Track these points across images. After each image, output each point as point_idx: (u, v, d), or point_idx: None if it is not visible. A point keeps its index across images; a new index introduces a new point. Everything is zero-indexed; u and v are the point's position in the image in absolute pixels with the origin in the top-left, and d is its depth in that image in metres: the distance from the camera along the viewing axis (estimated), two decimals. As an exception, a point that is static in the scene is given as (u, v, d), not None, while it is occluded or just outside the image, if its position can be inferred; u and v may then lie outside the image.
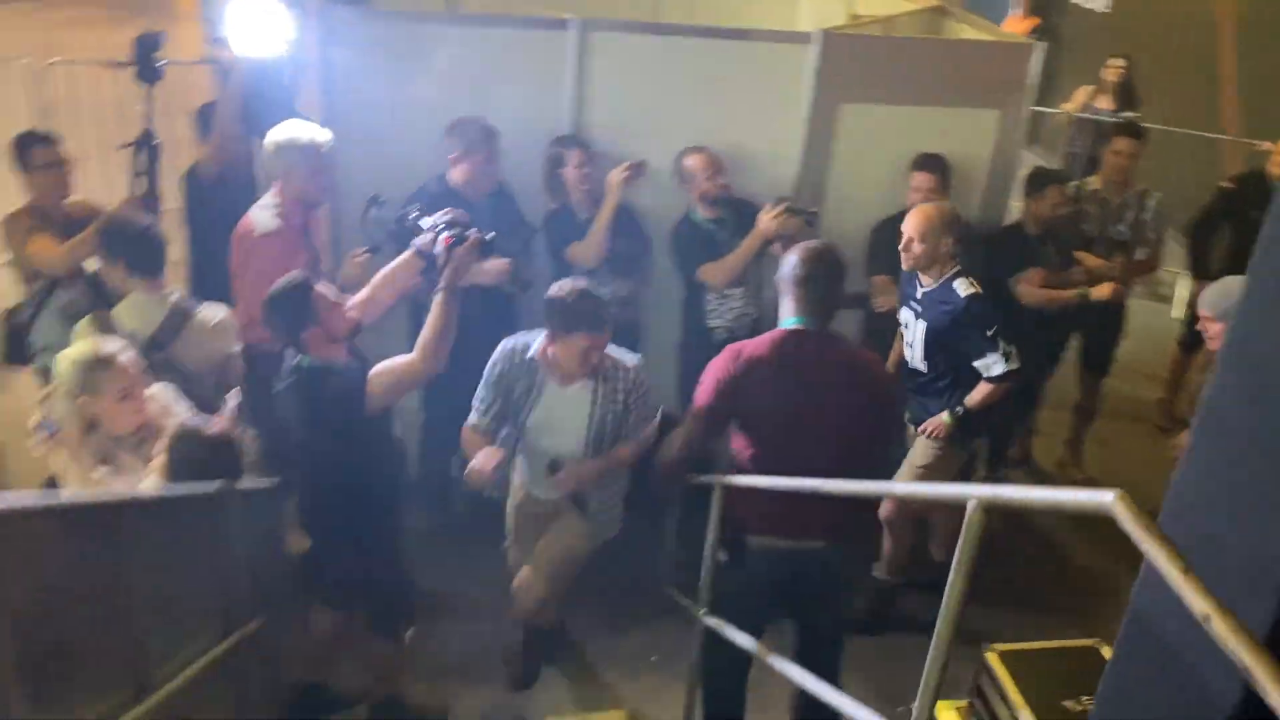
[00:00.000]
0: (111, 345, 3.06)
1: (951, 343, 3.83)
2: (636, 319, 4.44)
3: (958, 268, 3.80)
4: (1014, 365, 3.74)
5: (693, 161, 4.18)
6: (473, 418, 3.42)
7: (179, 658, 2.42)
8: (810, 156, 4.44)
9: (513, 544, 3.77)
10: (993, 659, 3.11)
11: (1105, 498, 1.22)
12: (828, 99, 4.35)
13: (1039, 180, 4.63)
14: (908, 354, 4.06)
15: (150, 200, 3.99)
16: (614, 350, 3.43)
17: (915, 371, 4.01)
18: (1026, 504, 1.59)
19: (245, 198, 3.93)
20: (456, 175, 3.94)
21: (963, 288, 3.77)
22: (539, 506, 3.64)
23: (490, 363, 3.39)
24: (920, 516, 4.24)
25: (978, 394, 3.83)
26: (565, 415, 3.40)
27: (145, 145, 3.97)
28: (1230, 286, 3.40)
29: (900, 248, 3.83)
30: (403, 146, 4.12)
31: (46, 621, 1.79)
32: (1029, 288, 4.49)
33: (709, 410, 3.06)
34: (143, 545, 2.12)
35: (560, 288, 3.23)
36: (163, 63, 3.93)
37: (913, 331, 3.97)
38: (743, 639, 2.97)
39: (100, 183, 4.39)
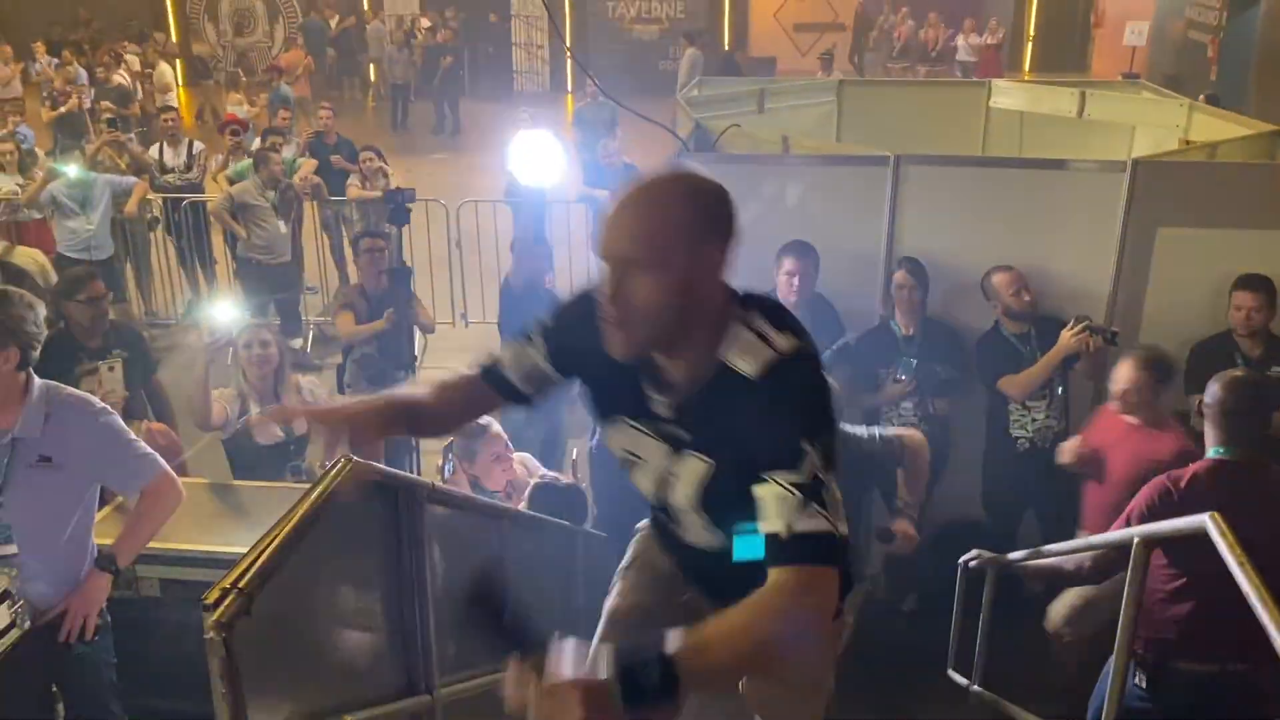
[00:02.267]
0: (486, 418, 3.89)
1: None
2: (947, 436, 4.74)
3: None
4: None
5: (999, 279, 4.49)
6: None
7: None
8: (1124, 278, 4.59)
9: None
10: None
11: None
12: (1143, 223, 4.52)
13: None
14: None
15: None
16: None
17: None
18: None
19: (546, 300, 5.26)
20: (781, 288, 4.53)
21: None
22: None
23: None
24: None
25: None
26: None
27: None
28: None
29: None
30: (743, 267, 4.77)
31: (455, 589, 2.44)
32: None
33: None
34: (509, 549, 2.79)
35: None
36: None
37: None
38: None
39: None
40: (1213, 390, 3.08)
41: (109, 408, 3.03)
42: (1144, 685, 2.96)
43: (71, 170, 7.31)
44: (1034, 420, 4.49)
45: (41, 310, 2.96)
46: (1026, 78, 16.88)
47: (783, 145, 5.09)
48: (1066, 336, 4.32)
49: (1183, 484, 3.00)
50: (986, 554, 3.74)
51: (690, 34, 16.01)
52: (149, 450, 3.02)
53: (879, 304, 4.73)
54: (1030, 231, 4.60)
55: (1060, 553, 3.28)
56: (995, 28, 17.80)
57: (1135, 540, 2.29)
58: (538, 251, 6.11)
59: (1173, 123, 5.90)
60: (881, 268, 4.68)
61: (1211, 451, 3.06)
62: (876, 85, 9.54)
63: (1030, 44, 19.81)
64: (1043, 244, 4.60)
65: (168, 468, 3.03)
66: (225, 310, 4.23)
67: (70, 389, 3.02)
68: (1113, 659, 2.57)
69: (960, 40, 17.91)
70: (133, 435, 3.03)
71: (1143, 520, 2.96)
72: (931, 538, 4.67)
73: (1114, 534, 2.47)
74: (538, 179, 6.33)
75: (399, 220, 4.54)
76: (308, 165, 8.56)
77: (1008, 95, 6.78)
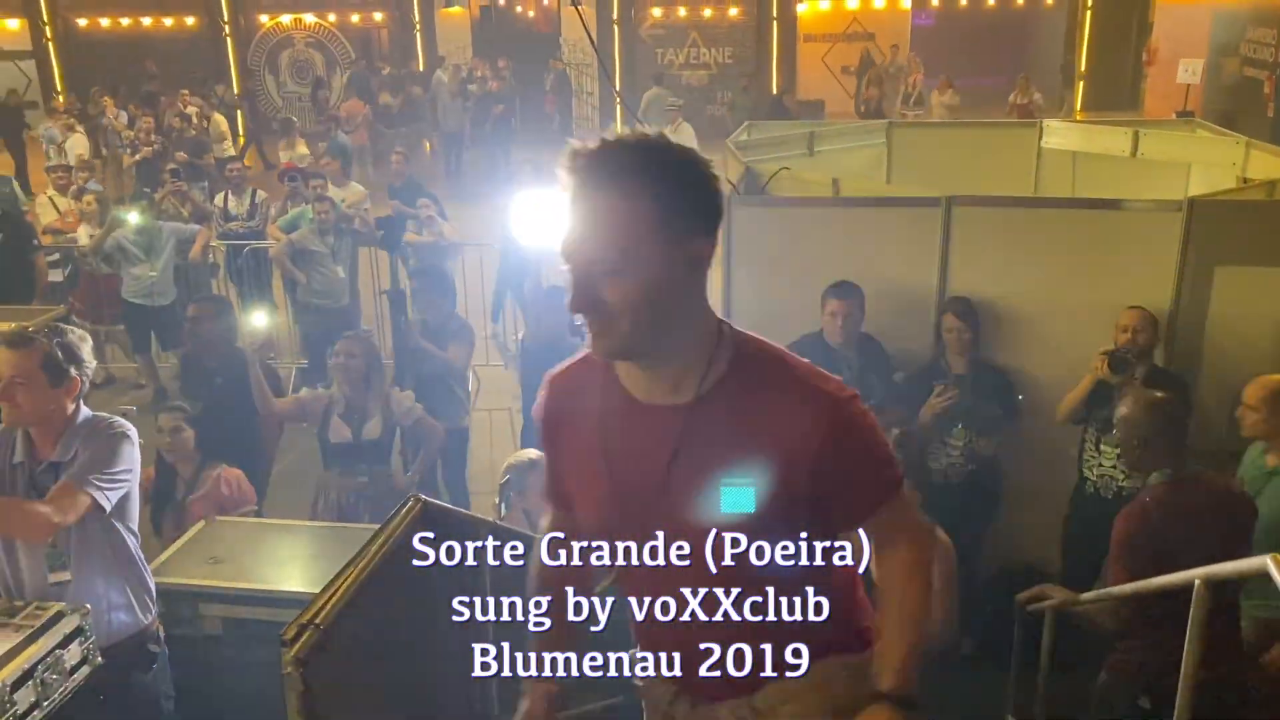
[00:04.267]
0: (536, 453, 3.96)
1: None
2: (997, 477, 4.71)
3: None
4: None
5: (1122, 317, 4.41)
6: None
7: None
8: (1182, 317, 4.54)
9: None
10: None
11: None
12: (1200, 262, 4.48)
13: None
14: None
15: None
16: None
17: None
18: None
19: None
20: (827, 329, 4.53)
21: None
22: None
23: None
24: None
25: None
26: None
27: None
28: None
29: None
30: (791, 306, 4.79)
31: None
32: None
33: (1130, 559, 3.24)
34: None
35: None
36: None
37: None
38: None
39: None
40: (1131, 417, 3.32)
41: (130, 435, 3.03)
42: (1149, 706, 3.09)
43: (133, 217, 7.50)
44: (1100, 465, 4.42)
45: (90, 342, 3.10)
46: (1078, 117, 16.72)
47: (833, 188, 5.11)
48: (1093, 361, 4.30)
49: (1150, 510, 3.22)
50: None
51: (656, 77, 16.52)
52: (105, 483, 2.91)
53: (931, 345, 4.72)
54: (1085, 272, 4.58)
55: (1120, 595, 3.26)
56: (1026, 85, 15.82)
57: (1196, 581, 2.29)
58: (553, 302, 5.56)
59: (1229, 160, 5.85)
60: (934, 309, 4.68)
61: (1155, 476, 3.29)
62: (927, 127, 9.55)
63: (1081, 83, 19.66)
64: (1098, 285, 4.57)
65: (87, 502, 2.87)
66: (259, 318, 4.98)
67: (108, 415, 3.13)
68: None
69: (935, 97, 15.96)
70: (125, 465, 2.98)
71: (1127, 549, 3.18)
72: (989, 579, 4.63)
73: (1172, 576, 2.50)
74: (537, 239, 5.54)
75: (391, 248, 4.94)
76: (355, 193, 8.78)
77: (1059, 135, 6.76)
